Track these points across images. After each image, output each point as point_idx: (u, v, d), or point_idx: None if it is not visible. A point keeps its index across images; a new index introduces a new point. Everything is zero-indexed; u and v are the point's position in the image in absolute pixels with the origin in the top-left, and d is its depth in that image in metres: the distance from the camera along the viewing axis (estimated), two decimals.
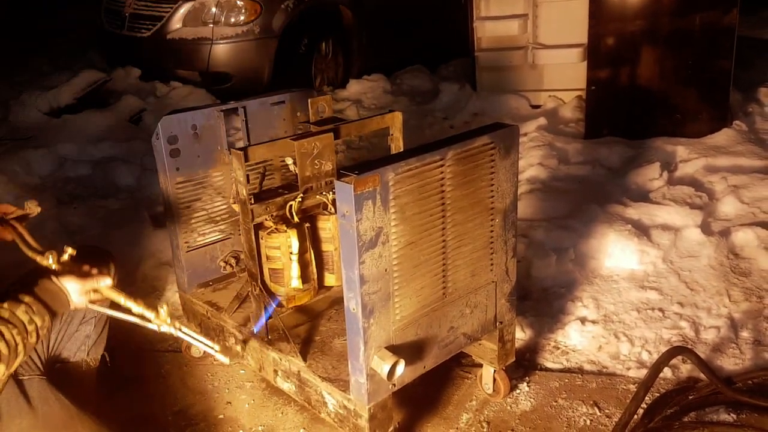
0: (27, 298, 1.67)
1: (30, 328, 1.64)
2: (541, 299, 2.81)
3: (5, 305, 1.64)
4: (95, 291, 1.75)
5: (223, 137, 2.38)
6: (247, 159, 1.91)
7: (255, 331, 2.08)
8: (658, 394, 2.17)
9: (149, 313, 1.74)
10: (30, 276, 1.72)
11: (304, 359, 2.00)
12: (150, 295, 2.91)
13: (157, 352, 2.58)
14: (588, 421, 2.15)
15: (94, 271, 1.77)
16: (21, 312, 1.64)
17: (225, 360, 1.86)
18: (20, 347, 1.62)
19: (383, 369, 1.69)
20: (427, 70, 6.42)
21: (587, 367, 2.43)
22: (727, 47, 4.09)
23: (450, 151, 1.74)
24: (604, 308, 2.71)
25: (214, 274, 2.46)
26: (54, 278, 1.73)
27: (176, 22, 5.60)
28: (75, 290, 1.74)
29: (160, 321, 1.74)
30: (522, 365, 2.42)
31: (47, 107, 5.24)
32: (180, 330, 1.78)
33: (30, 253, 1.75)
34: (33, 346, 1.67)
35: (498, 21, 5.22)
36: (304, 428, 2.18)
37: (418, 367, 1.87)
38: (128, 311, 1.75)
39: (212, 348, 1.82)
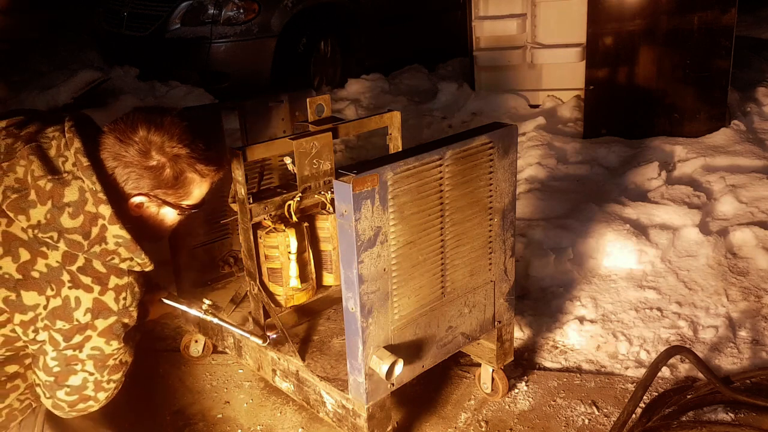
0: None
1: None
2: (540, 299, 2.81)
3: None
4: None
5: (222, 137, 2.37)
6: (245, 158, 1.91)
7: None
8: (656, 394, 2.17)
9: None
10: None
11: (303, 359, 2.00)
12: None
13: (155, 351, 2.57)
14: (586, 421, 2.15)
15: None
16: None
17: (260, 342, 2.00)
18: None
19: (382, 368, 1.69)
20: (425, 69, 6.41)
21: (586, 366, 2.43)
22: (726, 47, 4.09)
23: (448, 150, 1.74)
24: (603, 308, 2.71)
25: (213, 273, 2.46)
26: None
27: (175, 22, 5.59)
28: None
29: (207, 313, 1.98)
30: (520, 364, 2.43)
31: (45, 107, 5.22)
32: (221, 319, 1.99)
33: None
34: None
35: (496, 20, 5.22)
36: (302, 428, 2.18)
37: (417, 367, 1.87)
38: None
39: (248, 333, 1.98)
